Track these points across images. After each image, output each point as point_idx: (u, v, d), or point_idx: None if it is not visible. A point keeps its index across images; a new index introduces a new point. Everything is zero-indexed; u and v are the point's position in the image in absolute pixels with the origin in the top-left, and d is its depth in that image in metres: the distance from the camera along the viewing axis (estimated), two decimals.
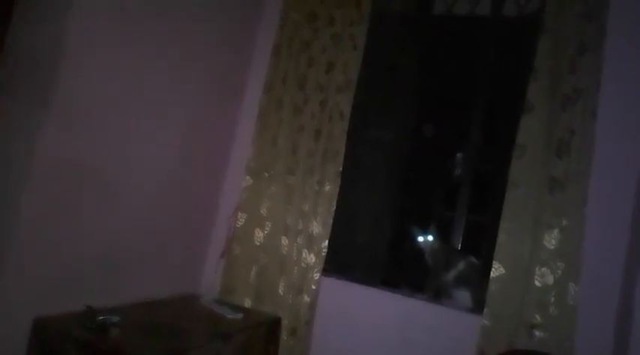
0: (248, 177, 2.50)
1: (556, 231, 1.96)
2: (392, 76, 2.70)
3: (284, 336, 2.24)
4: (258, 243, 2.44)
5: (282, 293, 2.33)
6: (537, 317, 1.93)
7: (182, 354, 1.51)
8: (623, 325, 1.82)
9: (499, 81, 2.41)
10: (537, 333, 1.92)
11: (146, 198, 2.10)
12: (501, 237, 2.04)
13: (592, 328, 1.87)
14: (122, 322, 1.65)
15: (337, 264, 2.43)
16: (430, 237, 2.28)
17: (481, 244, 2.32)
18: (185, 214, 2.39)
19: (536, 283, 1.96)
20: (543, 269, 1.95)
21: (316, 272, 2.30)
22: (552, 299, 1.92)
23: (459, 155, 2.55)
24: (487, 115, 2.30)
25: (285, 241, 2.39)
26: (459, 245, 2.33)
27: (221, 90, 2.51)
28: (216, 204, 2.60)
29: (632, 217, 1.90)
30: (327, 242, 2.32)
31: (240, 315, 2.13)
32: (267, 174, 2.47)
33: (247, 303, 2.38)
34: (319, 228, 2.33)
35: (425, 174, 2.64)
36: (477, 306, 2.13)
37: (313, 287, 2.29)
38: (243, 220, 2.48)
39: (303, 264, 2.32)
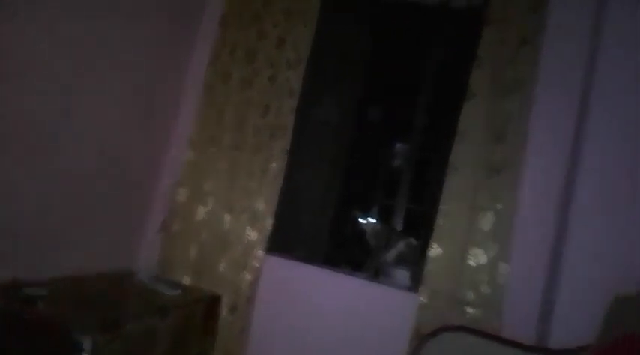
0: (191, 151, 2.41)
1: (491, 214, 2.05)
2: (341, 57, 2.69)
3: (224, 313, 2.20)
4: (199, 219, 2.37)
5: (222, 271, 2.29)
6: (470, 295, 2.03)
7: (116, 328, 1.43)
8: (547, 303, 1.96)
9: (445, 69, 2.48)
10: (470, 310, 2.02)
11: (80, 166, 1.97)
12: (440, 220, 2.12)
13: (519, 305, 1.99)
14: (51, 295, 1.54)
15: (280, 243, 2.41)
16: (371, 219, 2.32)
17: (421, 226, 2.39)
18: (122, 186, 2.27)
19: (470, 263, 2.05)
20: (478, 249, 2.05)
21: (259, 250, 2.27)
22: (485, 278, 2.02)
23: (399, 145, 2.61)
24: (432, 102, 2.36)
25: (227, 218, 2.33)
26: (400, 226, 2.39)
27: (164, 57, 2.39)
28: (156, 177, 2.49)
29: (559, 201, 2.04)
30: (271, 220, 2.29)
31: (178, 292, 2.07)
32: (211, 149, 2.40)
33: (186, 280, 2.32)
34: (264, 205, 2.30)
35: (369, 157, 2.68)
36: (415, 285, 2.20)
37: (256, 264, 2.26)
38: (185, 195, 2.40)
39: (245, 242, 2.29)
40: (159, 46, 2.33)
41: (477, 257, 2.05)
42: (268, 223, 2.29)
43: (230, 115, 2.40)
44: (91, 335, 1.30)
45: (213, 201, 2.37)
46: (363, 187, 2.66)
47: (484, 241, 2.05)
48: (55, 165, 1.83)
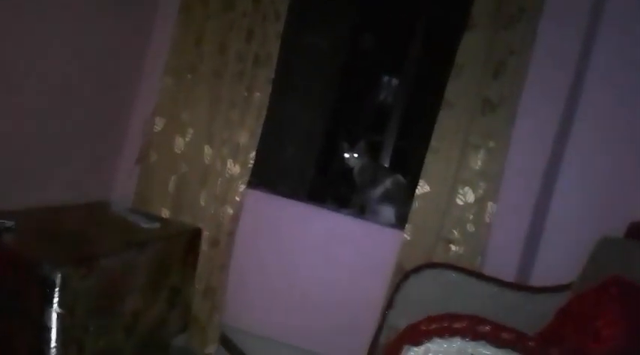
0: (167, 78, 2.24)
1: (482, 152, 1.99)
2: None
3: (205, 247, 2.15)
4: (178, 151, 2.25)
5: (203, 204, 2.21)
6: (455, 233, 2.01)
7: (89, 262, 1.36)
8: (532, 242, 1.96)
9: None
10: (454, 248, 2.01)
11: (50, 92, 1.82)
12: (429, 157, 2.05)
13: (503, 244, 1.99)
14: (18, 228, 1.45)
15: (263, 177, 2.34)
16: (357, 155, 2.23)
17: (409, 163, 2.32)
18: (95, 114, 2.12)
19: (458, 201, 2.01)
20: (466, 188, 2.01)
21: (241, 184, 2.19)
22: (471, 216, 2.00)
23: (391, 79, 2.46)
24: (429, 32, 2.20)
25: (208, 150, 2.22)
26: (388, 163, 2.33)
27: None
28: (130, 104, 2.34)
29: (553, 141, 1.98)
30: (254, 153, 2.19)
31: (156, 225, 2.00)
32: (189, 76, 2.23)
33: (165, 214, 2.24)
34: (246, 138, 2.18)
35: (359, 90, 2.54)
36: (400, 222, 2.17)
37: (237, 199, 2.18)
38: (162, 125, 2.26)
39: (227, 175, 2.19)
40: None
41: (465, 195, 2.01)
42: (251, 157, 2.19)
43: (210, 39, 2.21)
44: (63, 270, 1.22)
45: (193, 132, 2.24)
46: (351, 121, 2.54)
47: (473, 179, 2.00)
48: (21, 94, 1.68)
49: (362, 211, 2.26)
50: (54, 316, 1.17)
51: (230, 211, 2.18)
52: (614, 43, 1.85)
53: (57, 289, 1.19)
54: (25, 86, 1.70)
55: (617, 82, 1.84)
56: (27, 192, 1.82)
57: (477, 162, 2.00)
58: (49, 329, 1.16)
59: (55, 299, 1.18)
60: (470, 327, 1.25)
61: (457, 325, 1.27)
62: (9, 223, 1.43)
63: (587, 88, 1.85)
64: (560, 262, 1.81)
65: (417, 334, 1.32)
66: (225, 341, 2.18)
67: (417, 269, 1.84)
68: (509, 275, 1.93)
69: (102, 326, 1.44)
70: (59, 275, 1.20)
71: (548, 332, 1.38)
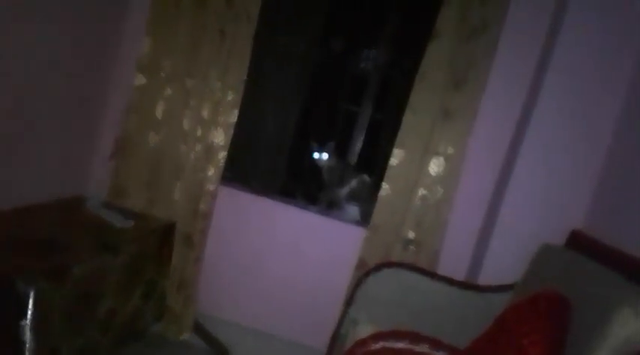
0: (140, 75, 2.27)
1: (442, 159, 2.10)
2: None
3: (178, 243, 2.26)
4: (152, 147, 2.31)
5: (176, 200, 2.30)
6: (413, 233, 2.15)
7: (63, 273, 1.45)
8: (481, 245, 2.10)
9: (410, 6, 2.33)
10: (411, 247, 2.15)
11: (16, 87, 1.84)
12: (393, 161, 2.15)
13: (456, 245, 2.14)
14: None
15: (235, 173, 2.42)
16: (327, 154, 2.33)
17: (375, 164, 2.43)
18: (67, 111, 2.16)
19: (417, 203, 2.14)
20: (425, 192, 2.12)
21: (214, 180, 2.27)
22: (428, 218, 2.13)
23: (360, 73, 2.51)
24: (396, 38, 2.26)
25: (182, 148, 2.29)
26: (355, 161, 2.43)
27: None
28: (104, 100, 2.37)
29: (507, 150, 2.10)
30: (226, 153, 2.26)
31: (130, 223, 2.08)
32: (162, 74, 2.26)
33: (138, 208, 2.32)
34: (220, 137, 2.25)
35: (329, 91, 2.59)
36: (365, 220, 2.30)
37: (210, 195, 2.28)
38: (135, 122, 2.31)
39: (200, 172, 2.27)
40: None
41: (424, 199, 2.13)
42: (223, 155, 2.27)
43: (182, 38, 2.23)
44: (37, 285, 1.32)
45: (166, 129, 2.30)
46: (321, 121, 2.62)
47: (432, 183, 2.12)
48: None
49: (330, 208, 2.38)
50: (27, 329, 1.27)
51: (203, 207, 2.28)
52: (570, 59, 1.94)
53: (31, 304, 1.29)
54: None
55: (566, 102, 1.94)
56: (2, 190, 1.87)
57: (436, 168, 2.11)
58: (24, 343, 1.26)
59: (29, 314, 1.28)
60: (410, 344, 1.42)
61: (399, 344, 1.43)
62: None
63: (539, 103, 1.95)
64: (507, 263, 1.95)
65: (365, 349, 1.48)
66: (199, 328, 2.33)
67: (377, 268, 1.98)
68: (461, 273, 2.09)
69: (77, 329, 1.54)
70: (33, 292, 1.29)
71: (481, 342, 1.53)
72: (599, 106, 1.95)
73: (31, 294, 1.30)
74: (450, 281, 1.96)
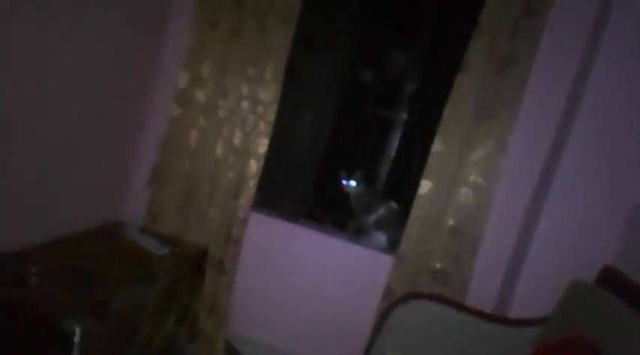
0: (176, 106, 2.36)
1: (470, 189, 2.10)
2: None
3: (210, 268, 2.34)
4: (186, 174, 2.40)
5: (209, 225, 2.38)
6: (441, 263, 2.15)
7: (105, 308, 1.55)
8: (511, 276, 2.09)
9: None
10: (439, 277, 2.15)
11: (65, 116, 1.95)
12: (421, 189, 2.16)
13: (484, 277, 2.14)
14: (39, 269, 1.62)
15: (265, 198, 2.48)
16: (354, 182, 2.37)
17: (404, 191, 2.44)
18: (108, 138, 2.27)
19: (445, 233, 2.14)
20: (453, 222, 2.13)
21: (245, 208, 2.34)
22: (456, 249, 2.13)
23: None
24: (426, 69, 2.28)
25: (215, 175, 2.36)
26: (383, 190, 2.45)
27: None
28: (141, 129, 2.48)
29: (537, 181, 2.08)
30: (256, 180, 2.33)
31: (166, 249, 2.17)
32: (196, 105, 2.35)
33: (173, 233, 2.41)
34: (251, 165, 2.31)
35: (358, 119, 2.62)
36: (392, 247, 2.32)
37: (241, 222, 2.34)
38: (171, 150, 2.40)
39: (232, 201, 2.34)
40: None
41: (454, 229, 2.13)
42: (254, 182, 2.33)
43: (216, 72, 2.31)
44: (82, 323, 1.41)
45: (200, 157, 2.38)
46: (350, 149, 2.66)
47: (461, 213, 2.12)
48: (31, 132, 1.80)
49: (358, 234, 2.41)
50: None
51: (235, 233, 2.35)
52: (604, 89, 1.91)
53: (77, 341, 1.38)
54: (31, 124, 1.80)
55: (600, 133, 1.91)
56: (45, 218, 1.98)
57: (465, 197, 2.11)
58: None
59: (75, 350, 1.37)
60: None
61: None
62: (34, 269, 1.60)
63: (572, 135, 1.92)
64: (537, 296, 1.93)
65: None
66: (230, 350, 2.40)
67: (405, 299, 2.00)
68: (489, 305, 2.08)
69: None
70: (79, 330, 1.38)
71: None
72: (635, 138, 1.91)
73: (77, 332, 1.38)
74: (478, 314, 1.95)
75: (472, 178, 2.09)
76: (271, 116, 2.28)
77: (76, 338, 1.37)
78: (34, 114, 1.79)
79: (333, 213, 2.52)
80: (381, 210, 2.35)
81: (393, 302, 2.02)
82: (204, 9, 2.29)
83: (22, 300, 1.48)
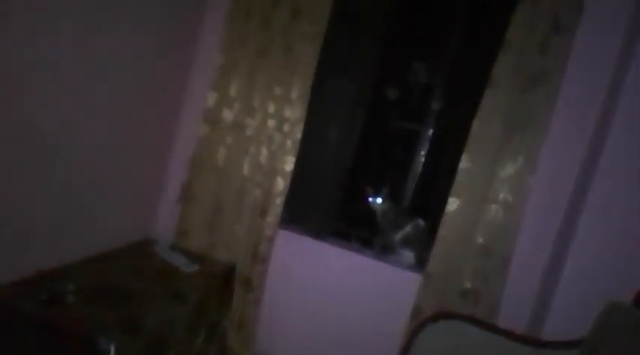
0: (204, 125, 2.42)
1: (500, 207, 2.07)
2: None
3: (238, 286, 2.36)
4: (214, 192, 2.44)
5: (237, 243, 2.40)
6: (471, 282, 2.12)
7: (138, 326, 1.58)
8: (543, 296, 2.04)
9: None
10: (470, 296, 2.12)
11: (93, 144, 2.01)
12: (449, 207, 2.14)
13: (516, 297, 2.09)
14: (76, 287, 1.67)
15: (292, 214, 2.50)
16: (380, 199, 2.36)
17: (431, 208, 2.42)
18: (139, 157, 2.34)
19: (475, 252, 2.11)
20: (483, 240, 2.09)
21: (272, 226, 2.36)
22: (487, 267, 2.09)
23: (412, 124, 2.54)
24: (450, 84, 2.26)
25: (242, 193, 2.40)
26: (410, 207, 2.44)
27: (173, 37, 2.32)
28: (170, 148, 2.54)
29: (569, 200, 2.04)
30: (283, 198, 2.35)
31: (195, 267, 2.20)
32: (223, 124, 2.40)
33: (202, 249, 2.44)
34: (278, 183, 2.34)
35: (382, 137, 2.63)
36: (420, 265, 2.30)
37: (268, 240, 2.36)
38: (199, 168, 2.45)
39: (259, 219, 2.37)
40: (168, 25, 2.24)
41: (484, 246, 2.10)
42: (280, 200, 2.35)
43: (244, 92, 2.36)
44: (117, 341, 1.44)
45: (227, 175, 2.42)
46: (375, 165, 2.66)
47: (491, 231, 2.09)
48: (67, 152, 1.86)
49: (384, 252, 2.39)
50: None
51: (263, 250, 2.37)
52: (637, 107, 1.87)
53: None
54: (65, 147, 1.86)
55: (633, 149, 1.86)
56: (81, 236, 2.04)
57: (494, 215, 2.08)
58: None
59: None
60: None
61: None
62: (71, 287, 1.65)
63: (605, 153, 1.88)
64: (571, 318, 1.89)
65: None
66: None
67: (434, 319, 1.97)
68: (521, 326, 2.03)
69: None
70: (113, 348, 1.41)
71: None
72: None
73: (112, 350, 1.41)
74: (510, 335, 1.91)
75: (501, 196, 2.06)
76: (297, 134, 2.31)
77: None
78: (69, 136, 1.86)
79: (359, 230, 2.51)
80: (408, 227, 2.33)
81: (422, 321, 1.99)
82: (232, 29, 2.35)
83: (59, 318, 1.52)
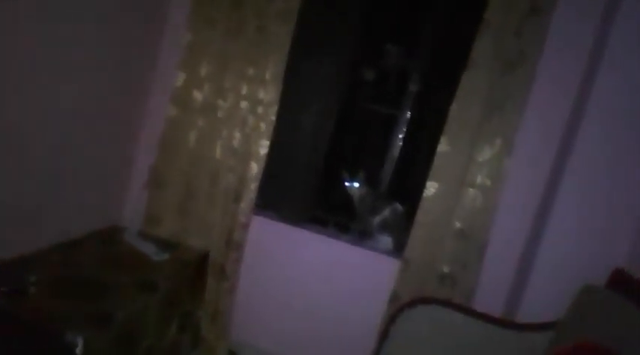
0: (173, 107, 2.30)
1: (478, 191, 2.06)
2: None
3: (211, 274, 2.28)
4: (185, 176, 2.34)
5: (210, 229, 2.32)
6: (448, 267, 2.11)
7: (107, 319, 1.49)
8: (519, 280, 2.06)
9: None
10: (447, 280, 2.11)
11: (61, 121, 1.89)
12: (427, 192, 2.12)
13: (493, 281, 2.10)
14: (38, 278, 1.57)
15: (266, 200, 2.43)
16: (357, 184, 2.32)
17: (409, 192, 2.40)
18: (104, 141, 2.21)
19: (453, 235, 2.10)
20: (460, 224, 2.09)
21: (246, 211, 2.29)
22: (463, 252, 2.09)
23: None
24: (430, 68, 2.23)
25: (214, 178, 2.31)
26: (387, 191, 2.41)
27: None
28: (138, 130, 2.41)
29: (545, 183, 2.05)
30: (257, 183, 2.28)
31: (166, 255, 2.12)
32: (194, 105, 2.29)
33: (173, 236, 2.35)
34: (251, 168, 2.26)
35: (360, 119, 2.58)
36: (398, 250, 2.28)
37: (242, 226, 2.29)
38: (168, 152, 2.34)
39: (233, 204, 2.29)
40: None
41: (460, 231, 2.09)
42: (255, 185, 2.28)
43: (214, 72, 2.26)
44: (85, 335, 1.35)
45: (199, 159, 2.32)
46: (352, 149, 2.61)
47: (468, 216, 2.08)
48: (28, 139, 1.75)
49: (362, 237, 2.36)
50: None
51: (236, 236, 2.29)
52: (610, 91, 1.88)
53: (79, 353, 1.32)
54: (28, 133, 1.76)
55: (607, 134, 1.88)
56: (42, 224, 1.92)
57: (472, 200, 2.07)
58: None
59: None
60: None
61: None
62: (33, 278, 1.55)
63: (579, 137, 1.89)
64: (546, 300, 1.91)
65: None
66: None
67: (412, 304, 1.95)
68: (498, 308, 2.05)
69: None
70: (81, 342, 1.33)
71: None
72: None
73: (80, 343, 1.33)
74: (487, 319, 1.92)
75: (479, 179, 2.05)
76: (272, 116, 2.23)
77: (79, 350, 1.32)
78: (30, 117, 1.73)
79: (336, 216, 2.47)
80: (386, 212, 2.30)
81: (400, 306, 1.98)
82: (201, 7, 2.23)
83: (21, 311, 1.42)
